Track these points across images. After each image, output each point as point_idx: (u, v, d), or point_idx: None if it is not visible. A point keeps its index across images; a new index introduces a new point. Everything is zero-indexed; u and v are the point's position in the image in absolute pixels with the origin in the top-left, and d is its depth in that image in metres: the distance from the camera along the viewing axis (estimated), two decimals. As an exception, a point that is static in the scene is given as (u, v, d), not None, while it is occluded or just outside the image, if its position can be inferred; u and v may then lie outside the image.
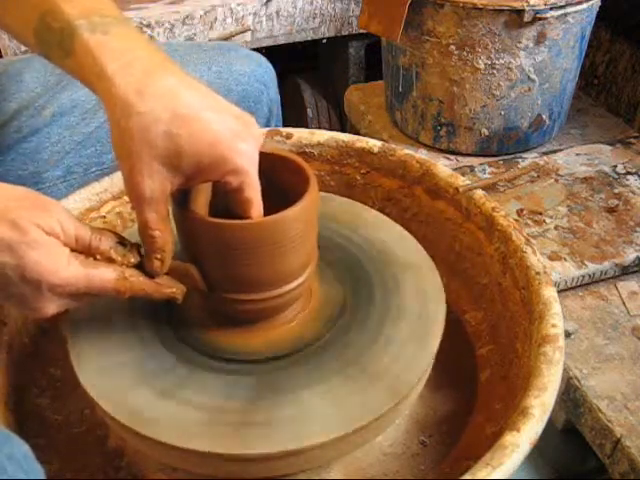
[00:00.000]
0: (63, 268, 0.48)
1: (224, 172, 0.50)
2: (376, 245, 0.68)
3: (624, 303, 0.95)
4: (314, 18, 1.39)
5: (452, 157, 1.23)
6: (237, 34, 1.30)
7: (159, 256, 0.52)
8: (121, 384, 0.55)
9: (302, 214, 0.54)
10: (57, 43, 0.52)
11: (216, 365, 0.57)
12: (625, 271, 0.99)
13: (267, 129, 0.81)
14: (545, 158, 1.20)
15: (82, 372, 0.56)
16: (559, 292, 0.67)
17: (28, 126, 0.81)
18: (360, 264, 0.66)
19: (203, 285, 0.56)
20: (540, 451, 0.95)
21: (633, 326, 0.92)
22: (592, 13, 1.13)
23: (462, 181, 0.75)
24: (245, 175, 0.51)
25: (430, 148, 1.26)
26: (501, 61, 1.10)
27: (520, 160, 1.20)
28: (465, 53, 1.10)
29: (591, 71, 1.42)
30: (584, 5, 1.08)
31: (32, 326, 0.70)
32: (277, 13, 1.35)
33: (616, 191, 1.12)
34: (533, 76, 1.12)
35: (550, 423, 0.54)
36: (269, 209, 0.53)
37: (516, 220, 1.02)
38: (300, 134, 0.81)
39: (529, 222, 1.05)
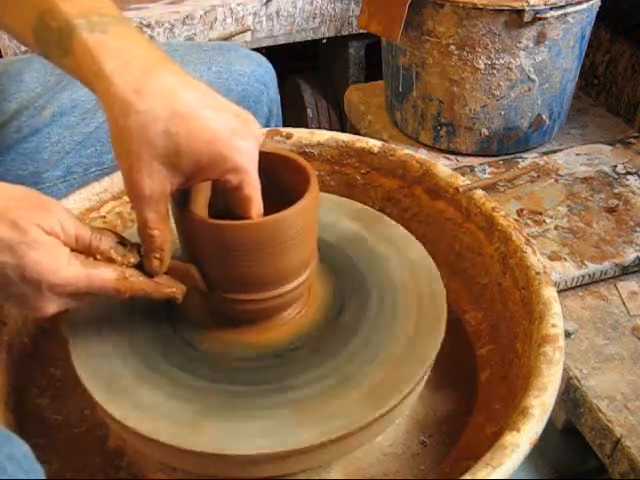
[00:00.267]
0: (63, 268, 0.48)
1: (223, 170, 0.50)
2: (368, 242, 0.68)
3: (624, 303, 0.95)
4: (314, 18, 1.39)
5: (452, 157, 1.23)
6: (237, 34, 1.30)
7: (158, 255, 0.52)
8: (121, 385, 0.55)
9: (302, 213, 0.54)
10: (56, 42, 0.52)
11: (216, 365, 0.57)
12: (625, 271, 0.99)
13: (267, 129, 0.81)
14: (545, 158, 1.20)
15: (83, 372, 0.56)
16: (559, 292, 0.67)
17: (28, 126, 0.81)
18: (354, 263, 0.66)
19: (203, 285, 0.55)
20: (540, 451, 0.95)
21: (633, 326, 0.92)
22: (592, 13, 1.13)
23: (462, 181, 0.75)
24: (245, 173, 0.51)
25: (430, 148, 1.26)
26: (501, 61, 1.10)
27: (520, 160, 1.20)
28: (465, 53, 1.10)
29: (591, 71, 1.42)
30: (584, 5, 1.08)
31: (32, 326, 0.70)
32: (277, 13, 1.35)
33: (616, 191, 1.12)
34: (533, 76, 1.12)
35: (550, 423, 0.54)
36: (270, 208, 0.53)
37: (516, 220, 1.02)
38: (300, 134, 0.81)
39: (529, 222, 1.05)
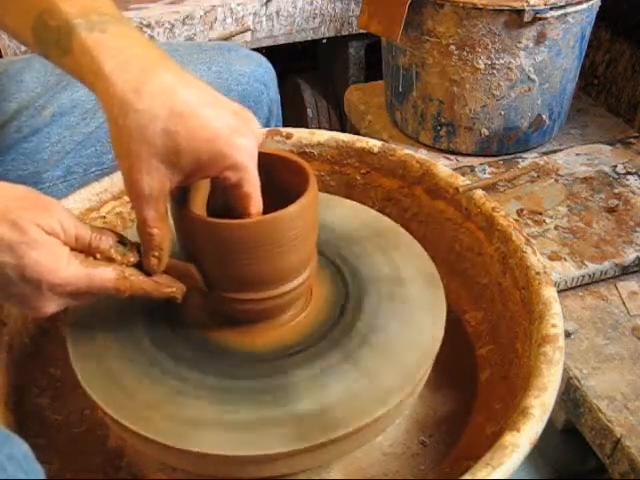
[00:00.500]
0: (63, 267, 0.48)
1: (223, 168, 0.50)
2: (371, 240, 0.68)
3: (624, 303, 0.95)
4: (314, 18, 1.39)
5: (452, 157, 1.23)
6: (237, 34, 1.30)
7: (156, 254, 0.52)
8: (120, 385, 0.55)
9: (301, 213, 0.54)
10: (55, 42, 0.52)
11: (216, 365, 0.57)
12: (625, 271, 0.99)
13: (267, 129, 0.81)
14: (545, 158, 1.20)
15: (81, 373, 0.56)
16: (559, 292, 0.67)
17: (28, 126, 0.81)
18: (355, 263, 0.66)
19: (203, 285, 0.55)
20: (540, 451, 0.95)
21: (633, 326, 0.92)
22: (592, 13, 1.13)
23: (462, 181, 0.75)
24: (244, 171, 0.50)
25: (430, 148, 1.26)
26: (501, 61, 1.10)
27: (520, 160, 1.20)
28: (465, 53, 1.10)
29: (591, 71, 1.42)
30: (584, 5, 1.08)
31: (32, 326, 0.70)
32: (277, 13, 1.35)
33: (616, 191, 1.12)
34: (533, 76, 1.12)
35: (550, 423, 0.54)
36: (269, 209, 0.53)
37: (516, 220, 1.02)
38: (300, 134, 0.81)
39: (529, 222, 1.05)
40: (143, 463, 0.61)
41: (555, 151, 1.22)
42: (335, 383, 0.55)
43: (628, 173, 1.16)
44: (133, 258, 0.52)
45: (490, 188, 1.08)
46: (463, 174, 1.11)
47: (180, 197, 0.54)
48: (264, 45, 1.37)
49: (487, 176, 1.15)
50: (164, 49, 0.54)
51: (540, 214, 1.06)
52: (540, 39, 1.08)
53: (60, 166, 0.83)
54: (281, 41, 1.39)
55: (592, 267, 0.97)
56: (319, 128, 1.56)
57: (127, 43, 0.51)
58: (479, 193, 0.73)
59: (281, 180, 0.58)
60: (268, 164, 0.55)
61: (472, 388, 0.66)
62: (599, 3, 1.13)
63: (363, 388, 0.55)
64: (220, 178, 0.51)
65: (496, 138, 1.20)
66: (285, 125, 0.92)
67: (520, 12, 1.04)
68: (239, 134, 0.50)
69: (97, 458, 0.62)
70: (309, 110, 1.67)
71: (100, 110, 0.52)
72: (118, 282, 0.51)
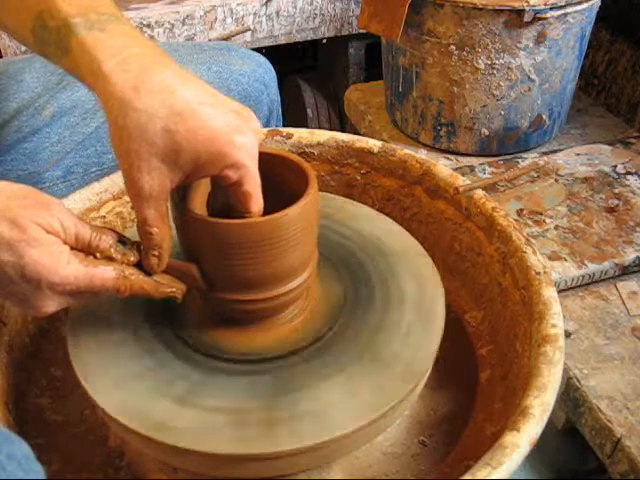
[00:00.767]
0: (63, 266, 0.48)
1: (223, 167, 0.49)
2: (371, 240, 0.68)
3: (624, 303, 0.95)
4: (314, 18, 1.39)
5: (452, 157, 1.24)
6: (237, 34, 1.30)
7: (156, 253, 0.52)
8: (120, 385, 0.55)
9: (302, 213, 0.54)
10: (54, 42, 0.52)
11: (215, 365, 0.57)
12: (625, 271, 0.99)
13: (267, 129, 0.81)
14: (545, 158, 1.20)
15: (81, 373, 0.56)
16: (559, 292, 0.67)
17: (28, 126, 0.81)
18: (356, 261, 0.66)
19: (203, 285, 0.55)
20: (540, 451, 0.95)
21: (633, 326, 0.92)
22: (592, 13, 1.13)
23: (462, 181, 0.75)
24: (244, 169, 0.50)
25: (430, 148, 1.26)
26: (501, 61, 1.10)
27: (520, 160, 1.20)
28: (465, 53, 1.10)
29: (591, 71, 1.42)
30: (584, 5, 1.08)
31: (32, 326, 0.70)
32: (277, 13, 1.35)
33: (616, 191, 1.12)
34: (533, 76, 1.12)
35: (550, 423, 0.54)
36: (269, 209, 0.53)
37: (516, 220, 1.02)
38: (300, 134, 0.81)
39: (529, 222, 1.05)
40: (143, 463, 0.61)
41: (555, 151, 1.22)
42: (335, 383, 0.55)
43: (628, 173, 1.16)
44: (133, 257, 0.52)
45: (490, 188, 1.08)
46: (463, 174, 1.11)
47: (180, 195, 0.54)
48: (264, 45, 1.37)
49: (487, 176, 1.15)
50: (164, 49, 0.54)
51: (540, 214, 1.06)
52: (540, 39, 1.08)
53: (60, 166, 0.83)
54: (281, 41, 1.39)
55: (592, 267, 0.97)
56: (319, 128, 1.55)
57: (126, 42, 0.51)
58: (479, 193, 0.73)
59: (281, 180, 0.58)
60: (268, 164, 0.55)
61: (472, 388, 0.66)
62: (599, 3, 1.13)
63: (363, 388, 0.55)
64: (220, 177, 0.50)
65: (496, 138, 1.20)
66: (285, 125, 0.92)
67: (520, 12, 1.04)
68: (239, 132, 0.49)
69: (97, 458, 0.62)
70: (309, 110, 1.67)
71: (100, 110, 0.52)
72: (118, 281, 0.51)
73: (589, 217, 1.06)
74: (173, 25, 1.25)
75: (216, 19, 1.28)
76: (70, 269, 0.49)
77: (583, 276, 0.97)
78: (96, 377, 0.56)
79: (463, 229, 0.75)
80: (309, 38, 1.42)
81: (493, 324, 0.70)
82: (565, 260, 0.98)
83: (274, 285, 0.56)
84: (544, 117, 1.20)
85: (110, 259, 0.51)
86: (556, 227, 1.04)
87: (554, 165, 1.18)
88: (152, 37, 1.23)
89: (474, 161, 1.20)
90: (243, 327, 0.59)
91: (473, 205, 0.73)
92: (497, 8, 1.04)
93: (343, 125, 1.67)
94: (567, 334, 0.89)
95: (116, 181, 0.75)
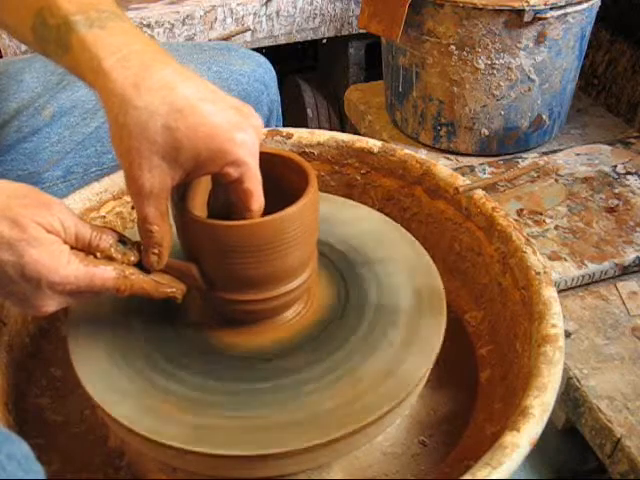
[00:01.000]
0: (63, 266, 0.48)
1: (223, 164, 0.49)
2: (371, 240, 0.68)
3: (624, 303, 0.95)
4: (314, 18, 1.39)
5: (452, 157, 1.24)
6: (237, 34, 1.30)
7: (156, 251, 0.52)
8: (121, 385, 0.55)
9: (302, 213, 0.54)
10: (54, 39, 0.52)
11: (216, 366, 0.57)
12: (625, 271, 0.99)
13: (267, 129, 0.81)
14: (545, 158, 1.20)
15: (82, 373, 0.56)
16: (559, 292, 0.67)
17: (28, 126, 0.81)
18: (356, 261, 0.66)
19: (203, 285, 0.55)
20: (540, 451, 0.95)
21: (633, 326, 0.92)
22: (592, 13, 1.13)
23: (462, 181, 0.75)
24: (245, 166, 0.50)
25: (430, 148, 1.26)
26: (501, 61, 1.10)
27: (520, 160, 1.20)
28: (465, 53, 1.10)
29: (591, 71, 1.42)
30: (584, 5, 1.08)
31: (32, 326, 0.70)
32: (277, 13, 1.35)
33: (616, 191, 1.12)
34: (533, 76, 1.12)
35: (550, 423, 0.54)
36: (269, 208, 0.53)
37: (516, 220, 1.02)
38: (300, 134, 0.81)
39: (529, 222, 1.05)
40: (143, 463, 0.61)
41: (555, 151, 1.22)
42: (335, 383, 0.55)
43: (628, 173, 1.16)
44: (133, 257, 0.52)
45: (490, 188, 1.08)
46: (463, 174, 1.11)
47: (179, 195, 0.54)
48: (264, 45, 1.37)
49: (487, 176, 1.15)
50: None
51: (540, 214, 1.06)
52: (540, 39, 1.08)
53: (60, 166, 0.83)
54: (281, 41, 1.39)
55: (592, 267, 0.97)
56: (319, 128, 1.55)
57: (127, 39, 0.51)
58: (479, 193, 0.73)
59: (281, 179, 0.58)
60: (269, 163, 0.55)
61: (472, 388, 0.66)
62: (599, 3, 1.13)
63: (363, 388, 0.55)
64: (221, 174, 0.50)
65: (496, 138, 1.20)
66: (285, 125, 0.92)
67: (520, 12, 1.04)
68: (240, 129, 0.49)
69: (97, 458, 0.62)
70: (309, 110, 1.67)
71: (100, 110, 0.52)
72: (118, 281, 0.51)
73: (589, 217, 1.06)
74: (173, 25, 1.25)
75: (216, 19, 1.28)
76: (70, 269, 0.49)
77: (583, 276, 0.97)
78: (96, 377, 0.56)
79: (463, 229, 0.75)
80: (309, 38, 1.42)
81: (493, 324, 0.70)
82: (565, 260, 0.98)
83: (274, 285, 0.56)
84: (544, 117, 1.20)
85: (110, 259, 0.51)
86: (556, 227, 1.04)
87: (554, 165, 1.18)
88: (152, 37, 1.23)
89: (474, 161, 1.20)
90: (243, 327, 0.59)
91: (473, 205, 0.73)
92: (497, 8, 1.04)
93: (343, 125, 1.67)
94: (567, 334, 0.89)
95: (116, 181, 0.75)
